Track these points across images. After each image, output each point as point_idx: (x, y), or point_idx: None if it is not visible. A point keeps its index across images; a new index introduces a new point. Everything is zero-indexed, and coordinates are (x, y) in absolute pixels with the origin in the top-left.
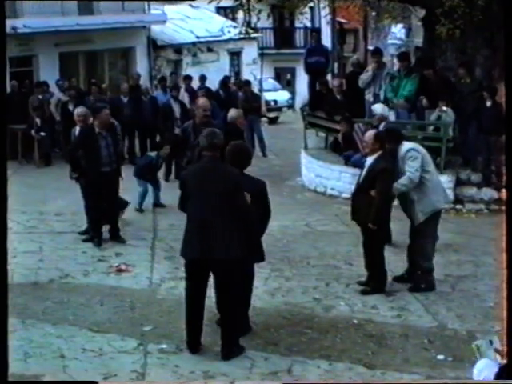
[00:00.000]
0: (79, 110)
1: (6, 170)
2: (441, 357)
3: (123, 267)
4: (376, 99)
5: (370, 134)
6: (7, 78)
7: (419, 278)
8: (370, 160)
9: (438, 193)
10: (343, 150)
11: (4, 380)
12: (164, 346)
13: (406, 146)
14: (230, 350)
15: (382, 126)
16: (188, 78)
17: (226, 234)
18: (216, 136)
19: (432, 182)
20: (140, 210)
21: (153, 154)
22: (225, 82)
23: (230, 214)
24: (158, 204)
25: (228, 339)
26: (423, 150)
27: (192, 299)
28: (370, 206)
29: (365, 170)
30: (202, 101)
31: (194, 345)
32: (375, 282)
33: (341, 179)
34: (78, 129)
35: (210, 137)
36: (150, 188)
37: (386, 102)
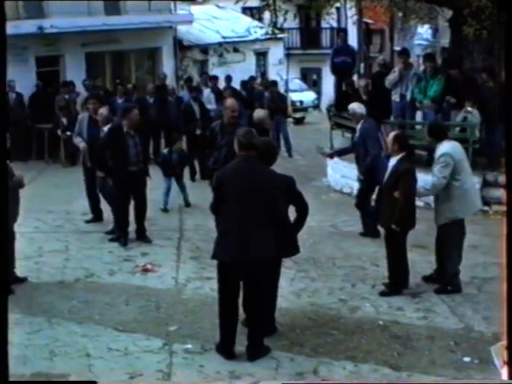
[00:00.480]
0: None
1: (7, 170)
2: (467, 359)
3: (149, 267)
4: (402, 100)
5: (390, 135)
6: (34, 78)
7: (445, 280)
8: (392, 161)
9: (465, 202)
10: None
11: (4, 380)
12: (189, 346)
13: (444, 147)
14: (256, 351)
15: (360, 125)
16: (214, 79)
17: (263, 233)
18: (253, 135)
19: (460, 190)
20: (165, 209)
21: (165, 150)
22: (246, 82)
23: (266, 213)
24: (186, 203)
25: (254, 339)
26: (461, 156)
27: (228, 302)
28: (393, 207)
29: (388, 171)
30: (229, 101)
31: (229, 349)
32: (394, 283)
33: None
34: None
35: (248, 136)
36: (174, 187)
37: (413, 102)
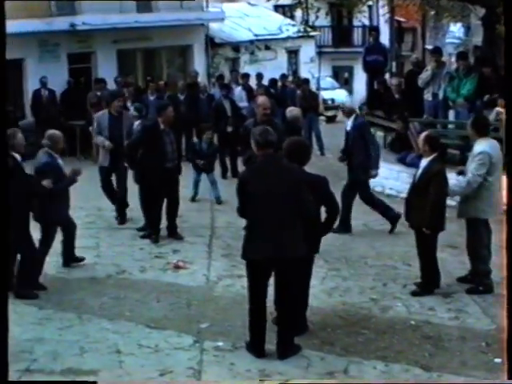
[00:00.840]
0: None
1: (7, 170)
2: (498, 360)
3: (180, 264)
4: (435, 98)
5: (421, 135)
6: (66, 75)
7: (477, 280)
8: (424, 162)
9: (489, 203)
10: (398, 149)
11: (4, 380)
12: (220, 344)
13: (483, 145)
14: (287, 349)
15: (351, 120)
16: (245, 76)
17: (292, 232)
18: (270, 133)
19: (488, 191)
20: (193, 199)
21: (195, 139)
22: (276, 80)
23: (294, 211)
24: (217, 200)
25: (285, 338)
26: (497, 157)
27: (257, 301)
28: (424, 209)
29: (419, 171)
30: (261, 99)
31: (259, 347)
32: (426, 283)
33: (399, 179)
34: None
35: (265, 134)
36: (206, 183)
37: (446, 101)
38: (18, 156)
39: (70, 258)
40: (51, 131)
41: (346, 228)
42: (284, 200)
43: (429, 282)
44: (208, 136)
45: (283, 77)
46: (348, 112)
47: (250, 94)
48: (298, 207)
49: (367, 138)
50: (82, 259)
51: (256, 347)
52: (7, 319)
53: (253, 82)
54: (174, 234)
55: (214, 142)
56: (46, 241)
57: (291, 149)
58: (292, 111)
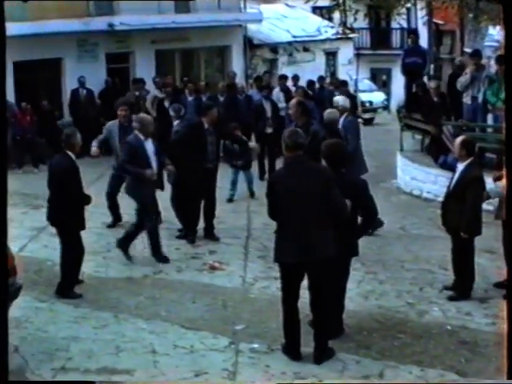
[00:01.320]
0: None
1: (7, 171)
2: None
3: (216, 265)
4: (474, 102)
5: (458, 140)
6: (104, 74)
7: None
8: (460, 167)
9: None
10: (435, 153)
11: (4, 380)
12: (255, 346)
13: None
14: (322, 353)
15: (343, 119)
16: (283, 78)
17: (321, 233)
18: (299, 135)
19: None
20: (230, 200)
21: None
22: (313, 82)
23: (323, 212)
24: (250, 192)
25: (322, 341)
26: None
27: (290, 303)
28: (461, 213)
29: (456, 176)
30: (292, 101)
31: (295, 350)
32: (463, 288)
33: (437, 182)
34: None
35: (294, 137)
36: (240, 183)
37: (485, 104)
38: (72, 155)
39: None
40: (141, 115)
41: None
42: (313, 201)
43: (467, 287)
44: (237, 134)
45: (321, 79)
46: (341, 110)
47: (288, 96)
48: (328, 208)
49: (347, 135)
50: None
51: (291, 349)
52: (7, 319)
53: (289, 84)
54: (210, 235)
55: (244, 139)
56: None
57: (329, 151)
58: (330, 113)
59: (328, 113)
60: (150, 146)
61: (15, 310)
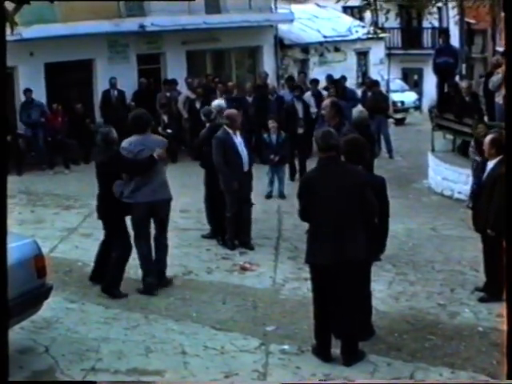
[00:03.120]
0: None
1: (7, 171)
2: None
3: (247, 266)
4: None
5: (487, 139)
6: (135, 75)
7: None
8: (490, 165)
9: None
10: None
11: (4, 380)
12: (286, 347)
13: None
14: (351, 356)
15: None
16: (315, 82)
17: (355, 235)
18: (332, 136)
19: None
20: (268, 196)
21: (265, 134)
22: (343, 78)
23: (356, 214)
24: (280, 195)
25: (351, 343)
26: None
27: (321, 305)
28: (489, 212)
29: (485, 175)
30: (325, 102)
31: (325, 352)
32: (494, 290)
33: (468, 183)
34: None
35: (326, 137)
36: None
37: None
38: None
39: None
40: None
41: None
42: (346, 203)
43: (499, 289)
44: (273, 125)
45: (342, 79)
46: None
47: (319, 100)
48: (362, 210)
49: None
50: None
51: (322, 351)
52: (7, 319)
53: (323, 84)
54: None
55: (281, 132)
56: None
57: (347, 148)
58: (360, 112)
59: (357, 112)
60: (238, 139)
61: (46, 311)
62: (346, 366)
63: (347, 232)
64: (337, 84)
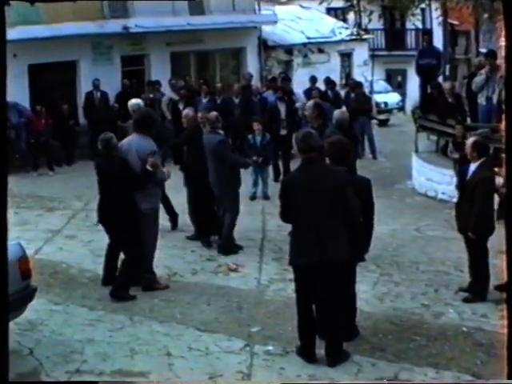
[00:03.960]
0: (186, 112)
1: (7, 170)
2: None
3: (234, 266)
4: (488, 103)
5: (469, 141)
6: (119, 77)
7: None
8: (472, 168)
9: None
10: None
11: (4, 380)
12: (270, 348)
13: None
14: (335, 356)
15: None
16: (286, 80)
17: (337, 235)
18: (313, 137)
19: None
20: (253, 198)
21: (249, 136)
22: (331, 81)
23: (337, 215)
24: (264, 195)
25: (335, 344)
26: None
27: (305, 306)
28: (471, 215)
29: (467, 178)
30: (308, 103)
31: (310, 353)
32: (478, 290)
33: (452, 183)
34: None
35: (306, 139)
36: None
37: (500, 105)
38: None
39: None
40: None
41: None
42: (326, 204)
43: (483, 289)
44: (258, 127)
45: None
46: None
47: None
48: (343, 211)
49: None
50: None
51: (306, 352)
52: (7, 319)
53: (306, 85)
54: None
55: (266, 134)
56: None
57: (332, 149)
58: (341, 113)
59: (338, 112)
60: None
61: (30, 313)
62: (331, 366)
63: (328, 233)
64: (332, 85)
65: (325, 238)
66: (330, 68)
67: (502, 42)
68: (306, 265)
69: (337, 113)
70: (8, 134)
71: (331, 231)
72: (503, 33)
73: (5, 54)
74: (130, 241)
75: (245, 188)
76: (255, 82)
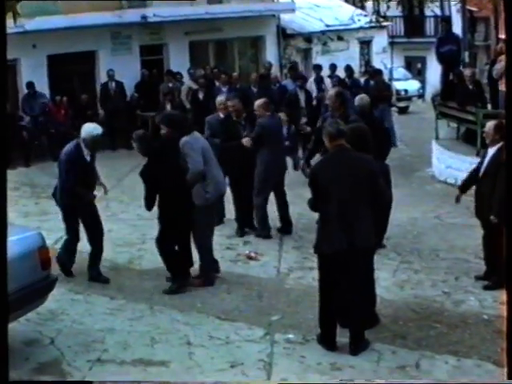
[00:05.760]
0: (219, 99)
1: (6, 170)
2: None
3: (253, 255)
4: None
5: (490, 124)
6: (138, 66)
7: None
8: (491, 151)
9: None
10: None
11: (4, 380)
12: (291, 336)
13: None
14: (358, 345)
15: None
16: (317, 68)
17: (366, 223)
18: (340, 124)
19: None
20: None
21: None
22: (350, 68)
23: (367, 202)
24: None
25: (359, 333)
26: None
27: (328, 296)
28: (491, 199)
29: (486, 161)
30: (330, 92)
31: (330, 341)
32: (497, 277)
33: None
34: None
35: (336, 125)
36: None
37: None
38: None
39: None
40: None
41: None
42: (358, 191)
43: (502, 276)
44: (284, 118)
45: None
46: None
47: (320, 86)
48: (373, 197)
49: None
50: None
51: (327, 340)
52: (7, 319)
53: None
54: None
55: (291, 124)
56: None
57: (352, 136)
58: (361, 99)
59: (358, 99)
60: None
61: (51, 303)
62: (354, 355)
63: (358, 220)
64: (350, 73)
65: (354, 225)
66: (349, 56)
67: None
68: (335, 252)
69: (358, 99)
70: (24, 125)
71: (360, 218)
72: None
73: (5, 50)
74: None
75: None
76: (274, 71)
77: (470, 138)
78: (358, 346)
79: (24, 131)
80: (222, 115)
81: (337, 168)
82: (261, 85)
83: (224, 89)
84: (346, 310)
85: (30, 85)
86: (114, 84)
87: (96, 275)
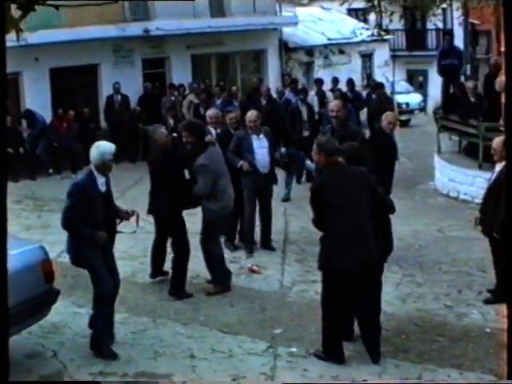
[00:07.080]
0: (210, 112)
1: (7, 170)
2: None
3: (255, 268)
4: None
5: (498, 140)
6: (140, 80)
7: None
8: (498, 167)
9: None
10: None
11: (4, 380)
12: (293, 350)
13: None
14: (379, 354)
15: None
16: (319, 82)
17: (370, 236)
18: (334, 141)
19: None
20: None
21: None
22: (351, 81)
23: (368, 215)
24: (285, 199)
25: (376, 342)
26: None
27: (337, 309)
28: (497, 214)
29: (493, 177)
30: (331, 104)
31: (341, 353)
32: (498, 291)
33: (474, 184)
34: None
35: (331, 142)
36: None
37: None
38: None
39: None
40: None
41: None
42: (362, 205)
43: (503, 291)
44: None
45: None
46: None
47: (323, 100)
48: (377, 203)
49: None
50: None
51: (337, 353)
52: (8, 318)
53: (328, 87)
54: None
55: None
56: None
57: (350, 154)
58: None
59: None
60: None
61: (54, 316)
62: (375, 363)
63: (364, 234)
64: (352, 86)
65: (361, 240)
66: (350, 69)
67: None
68: (347, 267)
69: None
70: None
71: (366, 232)
72: None
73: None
74: (177, 236)
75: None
76: (276, 84)
77: (472, 152)
78: (378, 355)
79: (26, 144)
80: (212, 129)
81: (341, 184)
82: (251, 98)
83: (219, 101)
84: (365, 322)
85: (28, 112)
86: (119, 97)
87: None
